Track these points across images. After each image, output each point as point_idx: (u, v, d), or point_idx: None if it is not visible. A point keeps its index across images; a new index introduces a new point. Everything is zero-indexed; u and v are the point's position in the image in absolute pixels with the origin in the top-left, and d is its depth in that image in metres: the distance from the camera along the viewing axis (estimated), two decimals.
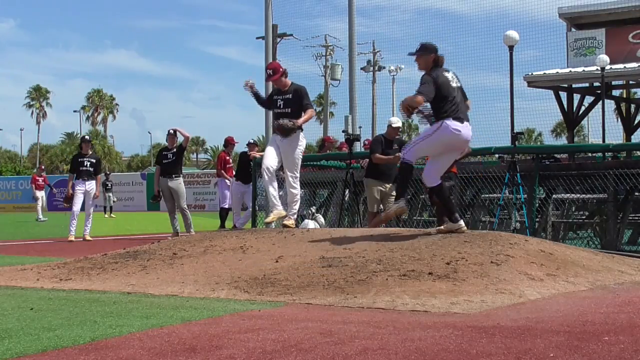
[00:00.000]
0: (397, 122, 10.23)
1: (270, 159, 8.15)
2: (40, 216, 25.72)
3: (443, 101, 6.67)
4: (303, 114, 8.19)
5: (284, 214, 8.22)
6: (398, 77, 45.31)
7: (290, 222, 8.22)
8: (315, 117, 8.96)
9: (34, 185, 26.53)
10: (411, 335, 3.95)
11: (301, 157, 8.35)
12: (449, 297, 5.06)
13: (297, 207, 8.39)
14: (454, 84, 6.77)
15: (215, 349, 3.70)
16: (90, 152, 14.44)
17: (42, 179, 27.22)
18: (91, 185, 13.94)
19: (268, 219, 8.41)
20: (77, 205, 13.86)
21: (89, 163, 14.01)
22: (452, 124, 6.65)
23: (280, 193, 8.69)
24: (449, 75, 6.80)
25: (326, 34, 37.36)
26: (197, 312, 4.82)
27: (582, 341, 3.74)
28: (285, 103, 8.18)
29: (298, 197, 8.36)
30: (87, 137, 15.55)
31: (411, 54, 6.86)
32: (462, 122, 6.70)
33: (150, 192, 37.22)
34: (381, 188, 10.05)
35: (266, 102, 8.60)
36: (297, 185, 8.34)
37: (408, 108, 6.62)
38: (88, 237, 13.85)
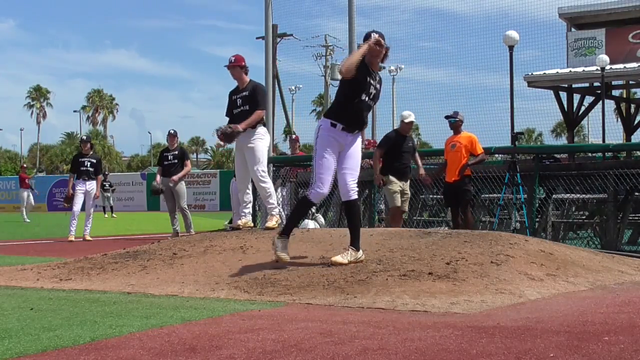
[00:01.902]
0: (409, 116, 9.80)
1: (240, 171, 8.17)
2: (25, 217, 25.52)
3: None
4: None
5: (250, 224, 8.31)
6: (398, 77, 45.19)
7: (271, 222, 7.86)
8: (263, 117, 8.57)
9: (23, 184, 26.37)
10: (411, 335, 3.95)
11: (265, 150, 8.08)
12: (449, 297, 5.06)
13: (272, 200, 8.06)
14: None
15: (215, 349, 3.70)
16: (91, 153, 14.48)
17: (27, 178, 27.07)
18: (91, 186, 13.97)
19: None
20: (77, 206, 13.89)
21: (89, 163, 14.05)
22: None
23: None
24: None
25: (326, 34, 37.44)
26: (197, 312, 4.81)
27: (582, 341, 3.74)
28: (243, 100, 8.02)
29: (270, 191, 8.05)
30: (84, 137, 15.60)
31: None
32: None
33: (150, 192, 37.27)
34: (400, 185, 9.79)
35: (230, 117, 8.26)
36: (267, 179, 8.08)
37: None
38: (88, 237, 13.86)
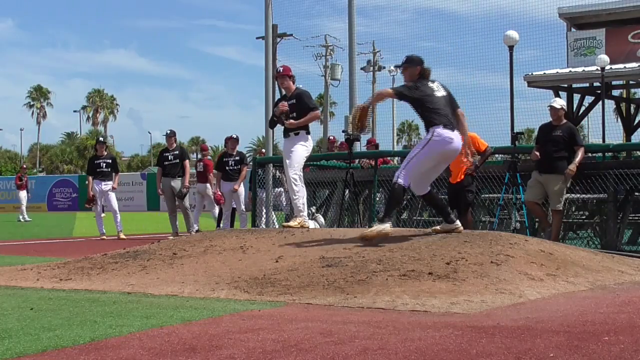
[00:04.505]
0: (556, 103, 9.57)
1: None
2: (25, 216, 25.69)
3: (428, 111, 6.66)
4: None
5: (306, 225, 8.25)
6: (398, 77, 45.12)
7: (293, 222, 8.23)
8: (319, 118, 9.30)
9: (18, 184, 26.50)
10: (411, 335, 3.95)
11: (304, 157, 8.40)
12: (449, 297, 5.06)
13: (300, 204, 8.33)
14: (438, 94, 6.77)
15: (215, 349, 3.70)
16: (106, 153, 14.69)
17: (25, 179, 27.16)
18: (107, 186, 14.27)
19: (291, 223, 8.29)
20: (99, 206, 14.28)
21: (104, 164, 14.33)
22: (444, 132, 6.60)
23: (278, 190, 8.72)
24: (434, 85, 6.84)
25: (326, 34, 37.41)
26: (197, 312, 4.81)
27: (582, 341, 3.74)
28: (290, 109, 8.39)
29: (299, 194, 8.33)
30: (101, 139, 15.96)
31: (397, 66, 6.96)
32: (452, 131, 6.65)
33: (150, 192, 37.26)
34: (540, 179, 9.48)
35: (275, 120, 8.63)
36: (299, 183, 8.36)
37: (363, 109, 6.76)
38: (122, 236, 14.03)
